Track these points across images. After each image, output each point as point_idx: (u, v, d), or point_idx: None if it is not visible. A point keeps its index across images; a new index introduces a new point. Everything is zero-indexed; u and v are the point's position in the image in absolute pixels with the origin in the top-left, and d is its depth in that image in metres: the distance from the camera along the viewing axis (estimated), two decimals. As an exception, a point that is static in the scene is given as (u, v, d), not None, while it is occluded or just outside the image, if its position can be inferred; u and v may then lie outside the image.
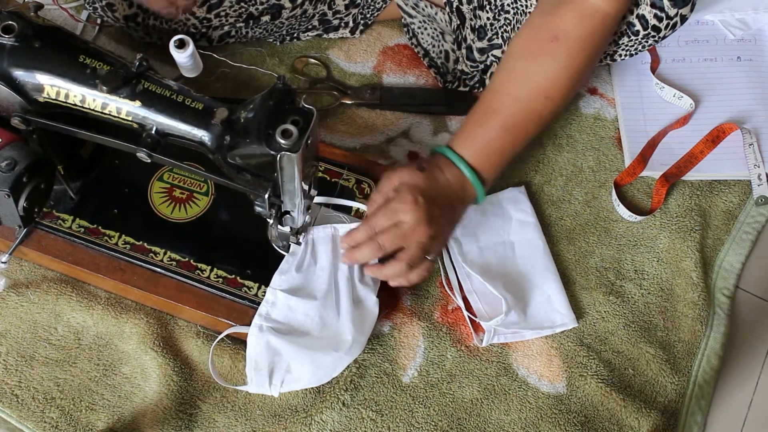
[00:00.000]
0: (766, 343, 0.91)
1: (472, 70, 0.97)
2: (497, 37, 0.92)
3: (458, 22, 0.95)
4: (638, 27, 0.83)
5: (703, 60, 1.06)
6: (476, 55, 0.94)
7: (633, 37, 0.84)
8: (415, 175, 0.76)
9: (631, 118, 1.02)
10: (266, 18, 0.97)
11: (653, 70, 1.05)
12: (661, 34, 0.84)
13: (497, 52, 0.94)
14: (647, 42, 0.86)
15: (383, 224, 0.75)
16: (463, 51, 0.94)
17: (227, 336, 0.83)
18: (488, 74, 0.97)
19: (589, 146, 1.01)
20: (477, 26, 0.91)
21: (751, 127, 1.00)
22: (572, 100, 1.03)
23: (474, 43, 0.92)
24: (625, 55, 0.89)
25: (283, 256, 0.81)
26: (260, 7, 0.95)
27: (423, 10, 1.01)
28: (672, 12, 0.81)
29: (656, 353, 0.87)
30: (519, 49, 0.79)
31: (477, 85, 1.00)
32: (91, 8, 0.95)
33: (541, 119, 0.79)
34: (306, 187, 0.70)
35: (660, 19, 0.81)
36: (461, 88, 1.01)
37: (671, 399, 0.85)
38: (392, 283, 0.78)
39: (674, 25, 0.83)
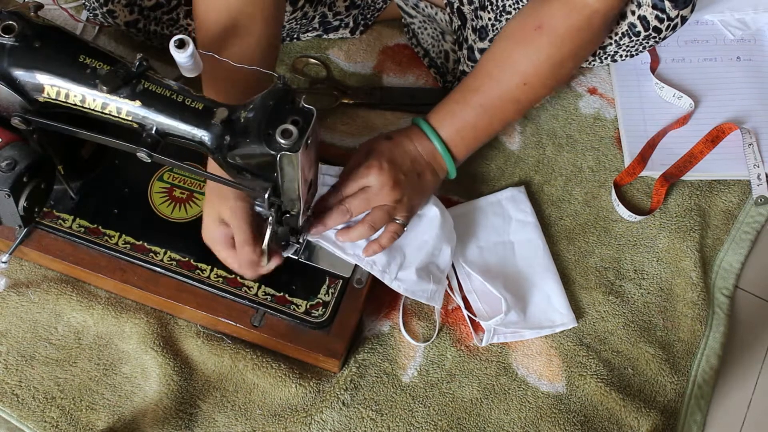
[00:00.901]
0: (766, 343, 0.91)
1: (470, 63, 0.97)
2: None
3: (459, 23, 0.95)
4: (639, 28, 0.83)
5: (703, 60, 1.07)
6: (477, 55, 0.94)
7: (634, 38, 0.85)
8: (381, 142, 0.80)
9: (631, 118, 1.02)
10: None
11: (653, 70, 1.05)
12: (662, 35, 0.84)
13: None
14: (648, 43, 0.86)
15: (350, 189, 0.78)
16: (464, 52, 0.95)
17: (227, 336, 0.83)
18: None
19: (589, 146, 1.01)
20: (478, 27, 0.91)
21: (751, 127, 1.00)
22: (572, 100, 1.04)
23: (475, 43, 0.92)
24: (626, 56, 0.90)
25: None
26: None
27: (423, 10, 1.01)
28: (673, 13, 0.81)
29: (656, 353, 0.87)
30: (505, 35, 0.81)
31: None
32: (92, 14, 0.95)
33: (518, 104, 0.81)
34: (306, 188, 0.70)
35: (661, 21, 0.81)
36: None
37: (671, 399, 0.85)
38: (366, 252, 0.79)
39: (675, 26, 0.83)
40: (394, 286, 0.80)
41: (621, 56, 0.90)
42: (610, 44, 0.87)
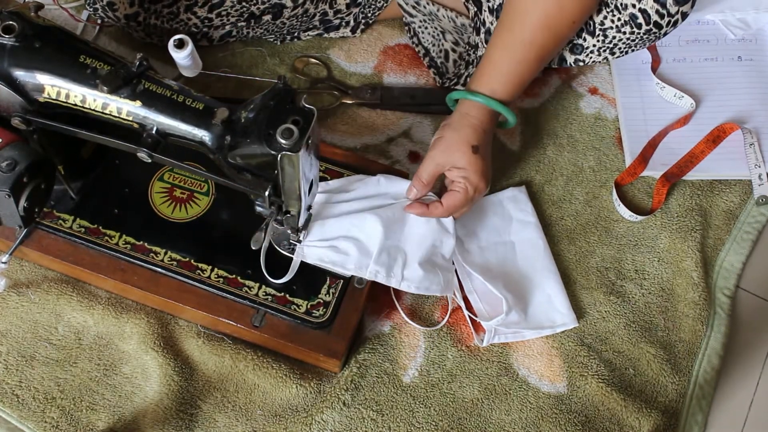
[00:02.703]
0: (767, 343, 0.91)
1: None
2: None
3: (475, 9, 0.95)
4: (641, 20, 0.83)
5: (704, 60, 1.06)
6: None
7: (635, 29, 0.84)
8: (466, 163, 0.81)
9: (632, 118, 1.02)
10: (268, 17, 0.97)
11: (654, 69, 1.05)
12: (663, 31, 0.84)
13: None
14: (649, 38, 0.86)
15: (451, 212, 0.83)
16: (482, 36, 0.94)
17: (227, 336, 0.83)
18: None
19: (590, 146, 1.00)
20: (495, 7, 0.90)
21: (752, 127, 1.00)
22: (573, 100, 1.03)
23: (492, 25, 0.92)
24: (626, 49, 0.89)
25: (283, 255, 0.81)
26: (261, 7, 0.95)
27: (424, 8, 1.01)
28: (673, 9, 0.81)
29: (657, 353, 0.87)
30: None
31: None
32: (91, 9, 0.95)
33: (548, 20, 0.80)
34: (307, 188, 0.70)
35: (662, 16, 0.82)
36: (459, 87, 1.00)
37: (672, 399, 0.85)
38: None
39: (675, 23, 0.83)
40: (404, 287, 0.80)
41: (620, 49, 0.89)
42: (611, 28, 0.86)
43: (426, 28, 1.03)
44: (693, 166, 0.98)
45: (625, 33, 0.86)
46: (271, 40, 1.04)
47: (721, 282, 0.93)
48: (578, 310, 0.88)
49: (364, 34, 1.06)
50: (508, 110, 0.82)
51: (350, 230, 0.80)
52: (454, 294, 0.87)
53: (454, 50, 1.01)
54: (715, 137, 0.99)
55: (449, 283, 0.83)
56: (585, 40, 0.89)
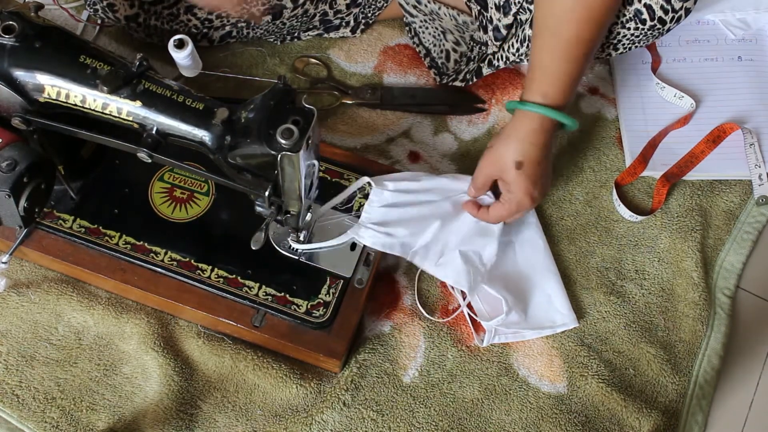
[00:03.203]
0: (767, 343, 0.91)
1: (498, 43, 0.95)
2: (524, 12, 0.91)
3: (479, 8, 0.94)
4: (645, 16, 0.83)
5: (704, 60, 1.06)
6: (503, 32, 0.93)
7: (640, 25, 0.84)
8: (512, 178, 0.81)
9: (632, 118, 1.02)
10: (267, 18, 0.97)
11: (654, 69, 1.05)
12: (667, 27, 0.84)
13: (523, 17, 0.92)
14: (653, 33, 0.85)
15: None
16: (491, 34, 0.94)
17: (228, 336, 0.83)
18: (507, 46, 0.96)
19: (590, 146, 1.00)
20: (501, 3, 0.90)
21: (752, 127, 1.00)
22: (574, 100, 1.03)
23: (500, 21, 0.92)
24: (629, 45, 0.88)
25: (283, 255, 0.81)
26: (261, 8, 0.95)
27: (425, 7, 1.01)
28: (678, 5, 0.81)
29: (657, 353, 0.87)
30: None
31: (471, 77, 0.99)
32: (91, 10, 0.95)
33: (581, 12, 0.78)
34: (307, 187, 0.70)
35: (666, 12, 0.82)
36: (457, 83, 1.00)
37: (672, 399, 0.85)
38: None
39: (679, 18, 0.83)
40: (436, 272, 0.83)
41: (623, 45, 0.89)
42: (615, 23, 0.86)
43: (427, 28, 1.03)
44: (693, 166, 0.98)
45: (629, 29, 0.86)
46: (272, 40, 1.04)
47: (721, 282, 0.93)
48: (578, 310, 0.88)
49: (364, 34, 1.06)
50: (561, 114, 0.80)
51: (409, 223, 0.83)
52: (455, 294, 0.87)
53: (455, 50, 1.01)
54: (715, 137, 0.99)
55: (477, 284, 0.84)
56: None
